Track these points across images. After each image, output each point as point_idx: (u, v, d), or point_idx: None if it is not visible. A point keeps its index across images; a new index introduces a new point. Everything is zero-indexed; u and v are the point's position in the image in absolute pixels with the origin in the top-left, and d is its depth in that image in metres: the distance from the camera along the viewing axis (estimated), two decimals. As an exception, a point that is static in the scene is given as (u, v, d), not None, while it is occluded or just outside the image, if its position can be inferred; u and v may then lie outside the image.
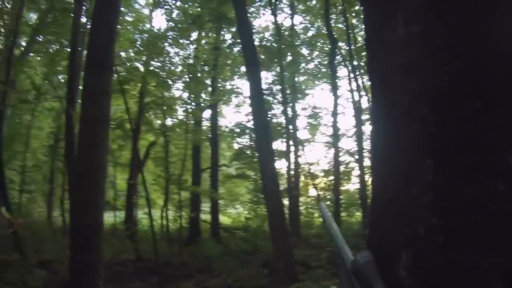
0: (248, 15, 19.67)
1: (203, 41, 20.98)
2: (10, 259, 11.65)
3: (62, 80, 20.52)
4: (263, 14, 26.78)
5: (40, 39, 18.86)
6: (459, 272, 0.96)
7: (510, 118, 0.94)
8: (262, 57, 18.48)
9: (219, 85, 21.47)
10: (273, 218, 10.09)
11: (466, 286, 0.96)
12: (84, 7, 12.03)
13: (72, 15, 12.47)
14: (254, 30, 21.86)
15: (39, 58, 21.20)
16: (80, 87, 12.98)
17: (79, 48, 11.98)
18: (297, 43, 21.05)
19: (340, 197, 19.26)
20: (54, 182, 23.17)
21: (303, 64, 22.77)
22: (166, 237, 17.17)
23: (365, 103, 18.64)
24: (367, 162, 17.93)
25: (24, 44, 19.39)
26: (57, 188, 23.12)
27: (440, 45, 1.04)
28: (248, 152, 22.21)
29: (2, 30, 18.11)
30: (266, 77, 21.15)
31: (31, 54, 20.03)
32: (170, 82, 19.74)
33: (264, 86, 20.27)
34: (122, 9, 20.43)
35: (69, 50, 13.08)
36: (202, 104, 20.95)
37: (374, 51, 1.29)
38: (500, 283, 0.91)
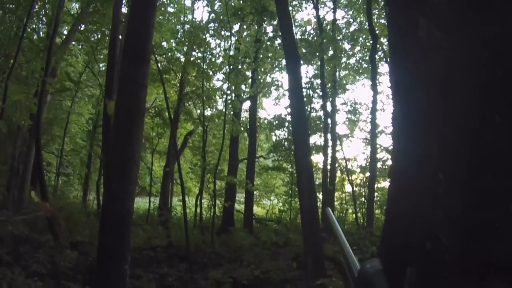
0: (290, 8, 19.62)
1: (245, 33, 21.01)
2: (43, 240, 11.89)
3: (103, 68, 20.89)
4: (305, 8, 26.63)
5: (82, 28, 19.20)
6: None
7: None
8: (303, 50, 18.38)
9: (259, 77, 21.44)
10: (306, 213, 10.04)
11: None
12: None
13: (113, 5, 12.61)
14: (296, 24, 21.80)
15: (80, 47, 21.65)
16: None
17: (120, 38, 12.12)
18: (338, 38, 20.83)
19: (375, 194, 19.02)
20: (91, 166, 23.63)
21: (344, 59, 22.60)
22: (199, 225, 17.29)
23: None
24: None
25: (65, 32, 19.79)
26: (94, 173, 23.59)
27: (463, 54, 1.00)
28: (285, 144, 22.21)
29: (44, 19, 18.53)
30: (307, 70, 21.12)
31: (73, 43, 20.40)
32: (210, 73, 19.85)
33: (304, 79, 20.23)
34: (164, 0, 20.65)
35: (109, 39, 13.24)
36: (242, 96, 21.00)
37: (397, 57, 1.26)
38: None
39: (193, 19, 22.88)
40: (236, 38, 19.99)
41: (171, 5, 22.71)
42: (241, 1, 17.24)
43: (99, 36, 19.00)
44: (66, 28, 20.41)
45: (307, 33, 21.59)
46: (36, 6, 16.11)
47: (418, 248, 1.03)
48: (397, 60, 1.27)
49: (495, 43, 0.94)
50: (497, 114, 0.91)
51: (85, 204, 21.56)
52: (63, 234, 13.10)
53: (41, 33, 19.44)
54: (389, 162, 21.42)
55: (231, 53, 18.80)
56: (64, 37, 19.17)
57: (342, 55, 21.79)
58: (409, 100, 1.17)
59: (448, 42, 1.05)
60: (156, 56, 18.14)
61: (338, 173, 22.50)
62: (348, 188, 22.85)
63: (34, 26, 18.75)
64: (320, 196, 18.20)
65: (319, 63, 19.99)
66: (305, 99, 19.89)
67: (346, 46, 22.24)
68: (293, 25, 20.75)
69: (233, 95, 19.31)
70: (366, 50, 21.77)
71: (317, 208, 10.36)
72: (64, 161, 25.17)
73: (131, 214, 6.40)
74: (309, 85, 20.75)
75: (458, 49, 1.03)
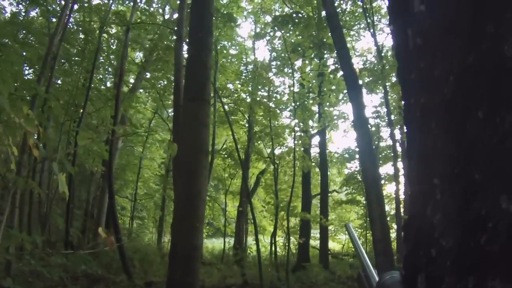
0: (349, 38, 19.62)
1: (308, 69, 21.13)
2: (117, 280, 12.28)
3: (171, 114, 21.52)
4: (363, 36, 26.51)
5: (147, 76, 19.94)
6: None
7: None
8: (367, 79, 18.28)
9: (325, 111, 21.40)
10: (378, 243, 9.87)
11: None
12: (185, 44, 12.51)
13: (174, 51, 13.00)
14: (356, 53, 21.73)
15: (147, 94, 22.48)
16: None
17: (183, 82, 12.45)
18: (400, 63, 20.50)
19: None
20: (165, 209, 24.05)
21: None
22: (274, 263, 17.23)
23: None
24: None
25: (132, 81, 20.60)
26: (168, 215, 23.94)
27: (442, 56, 1.00)
28: (358, 177, 21.95)
29: (110, 69, 19.38)
30: (372, 100, 20.91)
31: (141, 91, 21.16)
32: (277, 111, 20.01)
33: (371, 109, 20.04)
34: (226, 43, 21.16)
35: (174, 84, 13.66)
36: (310, 131, 21.00)
37: (399, 71, 1.26)
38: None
39: (256, 59, 23.22)
40: (299, 73, 20.15)
41: (233, 47, 23.18)
42: (299, 37, 17.36)
43: (165, 82, 19.64)
44: (132, 76, 21.30)
45: (368, 61, 21.42)
46: (101, 58, 16.90)
47: (425, 256, 1.00)
48: (399, 72, 1.27)
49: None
50: (480, 111, 0.89)
51: (160, 246, 21.93)
52: (137, 274, 13.45)
53: (108, 83, 20.35)
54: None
55: (296, 89, 18.92)
56: (130, 85, 19.94)
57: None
58: (406, 103, 1.17)
59: (429, 47, 1.05)
60: (222, 97, 18.51)
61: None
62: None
63: (100, 76, 19.69)
64: (394, 225, 17.78)
65: (383, 91, 19.79)
66: (372, 128, 19.72)
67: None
68: (354, 55, 20.77)
69: (301, 131, 19.34)
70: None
71: (389, 237, 10.15)
72: (138, 205, 25.79)
73: (199, 250, 6.52)
74: (376, 114, 20.49)
75: (437, 54, 1.03)
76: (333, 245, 25.17)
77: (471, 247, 0.87)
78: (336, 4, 15.12)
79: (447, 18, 0.99)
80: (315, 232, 23.77)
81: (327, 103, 20.56)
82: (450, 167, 0.94)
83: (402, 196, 18.94)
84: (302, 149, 19.28)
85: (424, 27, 1.05)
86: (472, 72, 0.90)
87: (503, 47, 0.85)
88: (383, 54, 18.29)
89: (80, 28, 16.57)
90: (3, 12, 17.74)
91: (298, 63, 20.88)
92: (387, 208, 16.52)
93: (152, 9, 19.48)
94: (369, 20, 18.44)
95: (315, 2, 16.83)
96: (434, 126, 1.01)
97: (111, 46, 18.28)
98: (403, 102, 1.28)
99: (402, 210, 18.31)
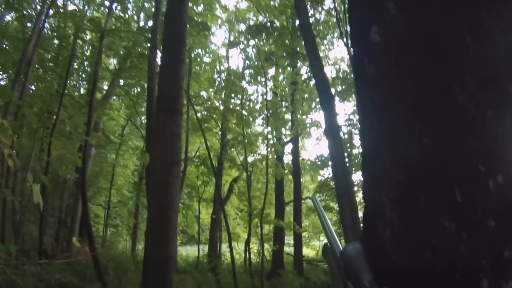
0: (322, 47, 19.80)
1: (280, 77, 21.23)
2: (91, 288, 12.17)
3: (144, 121, 21.40)
4: (337, 46, 26.70)
5: (121, 83, 19.87)
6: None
7: (458, 153, 0.95)
8: (340, 88, 18.42)
9: (298, 119, 21.48)
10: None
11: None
12: (159, 52, 12.50)
13: (148, 59, 12.96)
14: (330, 62, 21.90)
15: (121, 101, 22.30)
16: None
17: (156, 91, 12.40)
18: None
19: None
20: (138, 217, 23.87)
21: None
22: (249, 270, 17.23)
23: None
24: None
25: (106, 88, 20.46)
26: (142, 223, 23.75)
27: (393, 86, 1.08)
28: (331, 184, 22.04)
29: (84, 76, 19.24)
30: (344, 108, 20.97)
31: (114, 98, 21.03)
32: (250, 119, 20.02)
33: (344, 117, 20.21)
34: (200, 51, 21.15)
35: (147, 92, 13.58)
36: (283, 139, 21.08)
37: (357, 92, 1.33)
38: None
39: (229, 67, 23.27)
40: (272, 82, 20.23)
41: (207, 55, 23.20)
42: (273, 46, 17.45)
43: (138, 90, 19.55)
44: (106, 83, 21.14)
45: (341, 71, 21.58)
46: (75, 64, 16.77)
47: (377, 269, 1.07)
48: (357, 94, 1.33)
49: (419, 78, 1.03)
50: (425, 137, 0.98)
51: (134, 254, 21.75)
52: (112, 283, 13.31)
53: (82, 89, 20.20)
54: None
55: (269, 97, 18.98)
56: (104, 92, 19.82)
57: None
58: (362, 127, 1.24)
59: (382, 77, 1.12)
60: (195, 105, 18.47)
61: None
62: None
63: (74, 83, 19.53)
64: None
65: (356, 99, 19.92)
66: (346, 136, 19.90)
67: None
68: (327, 64, 20.93)
69: (274, 139, 19.39)
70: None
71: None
72: (112, 213, 25.51)
73: (172, 259, 6.58)
74: (349, 122, 20.66)
75: (389, 85, 1.10)
76: (307, 252, 25.19)
77: (417, 262, 0.97)
78: (310, 14, 15.23)
79: (399, 51, 1.07)
80: (289, 239, 23.81)
81: (300, 111, 20.70)
82: (397, 189, 1.03)
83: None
84: (275, 156, 19.32)
85: (378, 57, 1.13)
86: (420, 108, 1.00)
87: (450, 81, 0.96)
88: (355, 63, 18.37)
89: (55, 34, 16.48)
90: (-21, 16, 17.55)
91: (272, 71, 20.99)
92: (360, 214, 16.66)
93: (127, 16, 19.39)
94: (342, 30, 18.59)
95: (290, 11, 16.90)
96: (384, 151, 1.10)
97: (86, 52, 18.18)
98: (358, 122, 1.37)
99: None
